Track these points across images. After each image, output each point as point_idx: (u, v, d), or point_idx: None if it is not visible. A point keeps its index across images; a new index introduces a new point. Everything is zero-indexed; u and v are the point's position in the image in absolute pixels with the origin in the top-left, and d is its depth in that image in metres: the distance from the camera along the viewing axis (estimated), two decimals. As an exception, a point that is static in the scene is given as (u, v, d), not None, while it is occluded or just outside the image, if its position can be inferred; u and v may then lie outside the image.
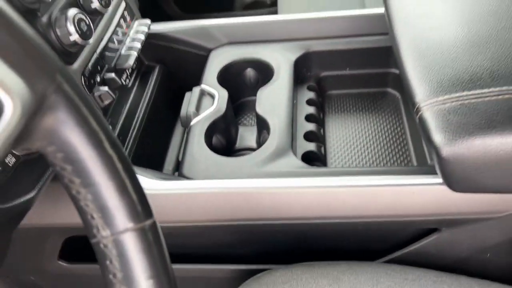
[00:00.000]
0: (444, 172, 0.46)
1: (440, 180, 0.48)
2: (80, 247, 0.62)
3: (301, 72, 0.76)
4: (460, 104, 0.45)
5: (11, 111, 0.21)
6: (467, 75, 0.47)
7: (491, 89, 0.45)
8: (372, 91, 0.77)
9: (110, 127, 0.58)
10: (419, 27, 0.55)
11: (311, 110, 0.71)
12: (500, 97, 0.45)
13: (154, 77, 0.77)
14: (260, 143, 0.66)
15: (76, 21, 0.50)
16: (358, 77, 0.77)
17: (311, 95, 0.74)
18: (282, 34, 0.76)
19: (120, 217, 0.25)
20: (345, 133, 0.72)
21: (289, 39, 0.76)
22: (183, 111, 0.67)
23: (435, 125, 0.45)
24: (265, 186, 0.53)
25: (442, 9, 0.56)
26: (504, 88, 0.45)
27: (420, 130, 0.48)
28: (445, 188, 0.48)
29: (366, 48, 0.73)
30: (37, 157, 0.46)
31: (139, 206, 0.26)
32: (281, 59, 0.73)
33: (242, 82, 0.76)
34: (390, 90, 0.77)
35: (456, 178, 0.46)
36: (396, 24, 0.57)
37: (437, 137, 0.44)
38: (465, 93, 0.46)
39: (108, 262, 0.25)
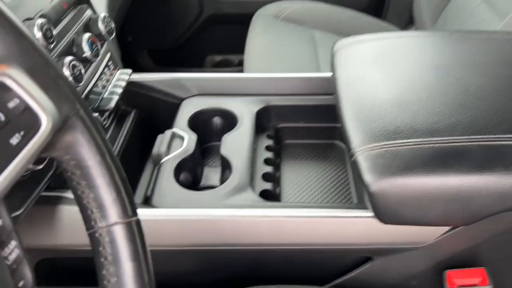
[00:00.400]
0: (373, 206, 0.56)
1: (371, 213, 0.58)
2: (53, 271, 0.66)
3: (262, 122, 0.86)
4: (385, 150, 0.56)
5: (45, 125, 0.29)
6: (392, 128, 0.59)
7: (410, 140, 0.57)
8: (322, 142, 0.89)
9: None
10: (357, 89, 0.67)
11: (269, 155, 0.81)
12: (416, 146, 0.56)
13: (130, 120, 0.85)
14: (223, 181, 0.75)
15: (71, 66, 0.59)
16: (310, 129, 0.88)
17: (269, 142, 0.84)
18: (246, 89, 0.88)
19: (114, 212, 0.33)
20: (298, 176, 0.82)
21: (252, 94, 0.87)
22: (154, 150, 0.75)
23: (365, 167, 0.56)
24: (224, 215, 0.61)
25: (376, 76, 0.69)
26: (419, 139, 0.57)
27: (355, 171, 0.58)
28: (375, 220, 0.58)
29: (317, 105, 0.85)
30: (28, 178, 0.53)
31: (129, 205, 0.34)
32: (245, 110, 0.83)
33: (210, 128, 0.86)
34: (337, 142, 0.88)
35: (383, 211, 0.56)
36: (339, 86, 0.70)
37: (367, 176, 0.55)
38: (390, 142, 0.57)
39: (101, 248, 0.33)
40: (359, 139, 0.59)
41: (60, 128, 0.31)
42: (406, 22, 1.53)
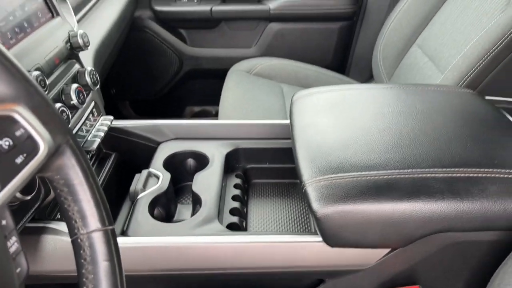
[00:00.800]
0: (320, 231, 0.65)
1: (320, 238, 0.67)
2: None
3: (231, 163, 0.96)
4: (330, 182, 0.66)
5: (42, 150, 0.38)
6: (336, 164, 0.69)
7: (350, 173, 0.67)
8: (285, 181, 0.98)
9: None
10: (309, 133, 0.78)
11: (237, 192, 0.90)
12: (355, 178, 0.66)
13: (110, 162, 0.94)
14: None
15: (60, 112, 0.69)
16: (275, 170, 0.98)
17: (238, 181, 0.93)
18: (218, 134, 0.98)
19: (93, 222, 0.41)
20: (263, 211, 0.91)
21: (223, 138, 0.97)
22: (132, 188, 0.83)
23: (313, 196, 0.65)
24: (191, 242, 0.69)
25: (325, 122, 0.80)
26: (358, 173, 0.67)
27: (305, 200, 0.67)
28: (324, 244, 0.67)
29: (281, 148, 0.95)
30: (16, 208, 0.60)
31: (106, 217, 0.42)
32: (216, 152, 0.93)
33: (184, 168, 0.95)
34: (298, 181, 0.98)
35: (328, 235, 0.65)
36: (295, 131, 0.80)
37: (314, 204, 0.64)
38: (333, 175, 0.67)
39: (82, 251, 0.40)
40: (309, 173, 0.68)
41: (53, 153, 0.40)
42: (367, 77, 1.69)
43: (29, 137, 0.38)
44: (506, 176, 0.66)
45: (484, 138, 0.73)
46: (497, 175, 0.65)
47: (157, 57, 1.69)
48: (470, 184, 0.64)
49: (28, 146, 0.37)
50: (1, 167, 0.35)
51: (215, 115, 1.83)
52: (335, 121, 0.80)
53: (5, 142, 0.36)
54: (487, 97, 0.91)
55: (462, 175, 0.65)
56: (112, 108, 1.63)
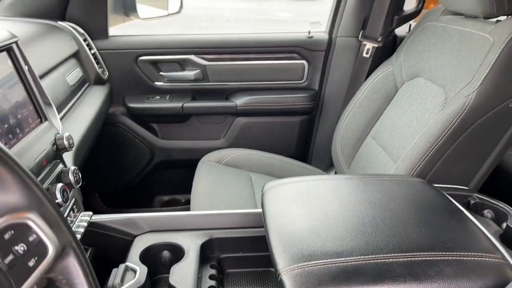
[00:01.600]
0: None
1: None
2: None
3: (206, 253, 0.99)
4: (303, 270, 0.71)
5: (51, 252, 0.43)
6: (307, 252, 0.75)
7: (321, 261, 0.73)
8: (260, 270, 1.02)
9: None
10: (281, 222, 0.84)
11: (212, 283, 0.92)
12: (326, 266, 0.72)
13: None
14: (170, 307, 0.85)
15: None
16: (249, 258, 1.02)
17: (213, 271, 0.96)
18: (192, 224, 1.02)
19: None
20: (238, 302, 0.93)
21: (197, 229, 1.02)
22: (109, 283, 0.84)
23: (289, 285, 0.70)
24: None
25: (295, 211, 0.87)
26: (328, 260, 0.73)
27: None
28: None
29: (254, 237, 1.00)
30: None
31: None
32: (191, 244, 0.96)
33: (160, 261, 0.97)
34: (272, 269, 1.02)
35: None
36: (267, 220, 0.87)
37: (290, 291, 0.69)
38: (306, 263, 0.73)
39: None
40: (283, 262, 0.74)
41: (59, 256, 0.44)
42: (328, 165, 1.81)
43: (40, 242, 0.42)
44: (458, 258, 0.73)
45: (436, 223, 0.82)
46: (450, 258, 0.73)
47: (128, 150, 1.75)
48: (427, 267, 0.71)
49: (39, 249, 0.42)
50: (17, 271, 0.39)
51: (185, 203, 1.87)
52: (304, 211, 0.87)
53: (21, 247, 0.40)
54: (436, 185, 1.02)
55: (420, 258, 0.73)
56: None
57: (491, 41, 1.07)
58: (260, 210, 1.03)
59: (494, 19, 1.14)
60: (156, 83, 1.72)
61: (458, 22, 1.24)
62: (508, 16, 1.12)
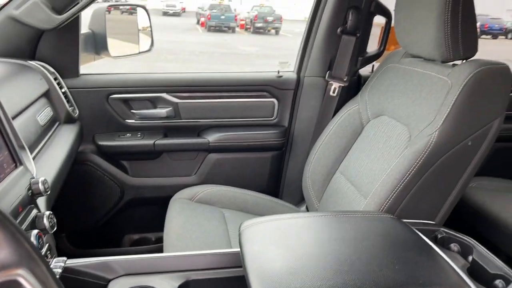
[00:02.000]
0: None
1: None
2: None
3: (183, 295, 0.98)
4: (284, 311, 0.72)
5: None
6: (288, 292, 0.76)
7: (301, 301, 0.74)
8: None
9: None
10: (260, 262, 0.85)
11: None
12: (306, 306, 0.73)
13: None
14: None
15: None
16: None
17: (191, 314, 0.95)
18: (168, 267, 1.01)
19: None
20: None
21: (173, 271, 1.01)
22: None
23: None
24: None
25: (274, 250, 0.89)
26: (308, 300, 0.74)
27: None
28: None
29: (231, 277, 1.00)
30: None
31: None
32: (167, 286, 0.95)
33: (136, 306, 0.95)
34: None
35: None
36: (246, 260, 0.88)
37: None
38: (286, 304, 0.74)
39: None
40: (264, 304, 0.75)
41: None
42: (299, 200, 1.84)
43: (30, 297, 0.42)
44: (430, 293, 0.77)
45: (408, 260, 0.86)
46: (423, 293, 0.77)
47: (98, 188, 1.72)
48: None
49: (29, 306, 0.42)
50: (8, 330, 0.39)
51: (156, 242, 1.84)
52: (282, 250, 0.89)
53: (12, 306, 0.40)
54: (405, 220, 1.06)
55: (396, 295, 0.76)
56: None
57: (449, 84, 1.15)
58: (236, 249, 1.03)
59: (451, 63, 1.23)
60: (127, 120, 1.72)
61: (418, 65, 1.33)
62: (463, 60, 1.21)
